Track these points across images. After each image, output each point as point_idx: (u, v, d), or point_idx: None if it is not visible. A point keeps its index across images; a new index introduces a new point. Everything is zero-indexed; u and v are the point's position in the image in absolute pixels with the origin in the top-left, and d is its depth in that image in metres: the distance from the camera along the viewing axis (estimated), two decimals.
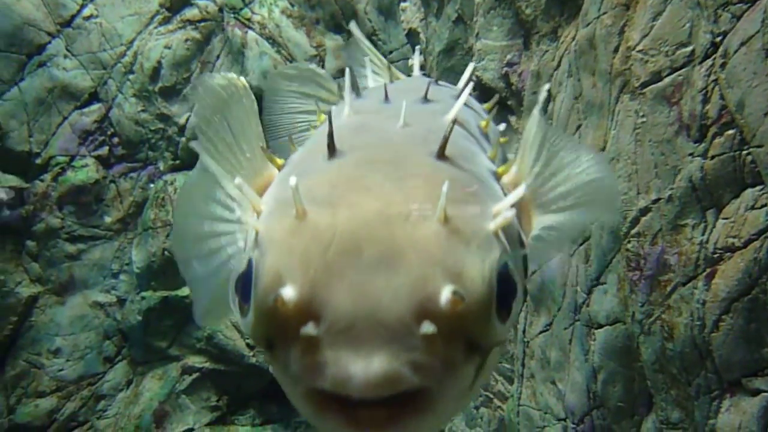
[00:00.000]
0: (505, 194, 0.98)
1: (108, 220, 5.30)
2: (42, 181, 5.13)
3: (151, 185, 5.39)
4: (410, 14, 4.12)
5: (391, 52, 4.80)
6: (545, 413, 2.93)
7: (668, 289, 1.98)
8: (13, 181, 5.05)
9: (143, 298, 5.17)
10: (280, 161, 1.10)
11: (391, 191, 0.82)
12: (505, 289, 0.80)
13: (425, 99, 1.21)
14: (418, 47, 2.06)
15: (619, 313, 2.28)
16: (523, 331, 3.18)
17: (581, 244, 2.49)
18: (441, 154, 0.91)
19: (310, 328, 0.72)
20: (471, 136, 1.14)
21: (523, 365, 3.20)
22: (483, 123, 1.31)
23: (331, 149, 0.93)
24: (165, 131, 5.43)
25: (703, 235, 1.89)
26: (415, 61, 1.66)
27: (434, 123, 1.06)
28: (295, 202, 0.80)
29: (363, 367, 0.70)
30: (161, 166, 5.43)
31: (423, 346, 0.71)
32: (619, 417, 2.35)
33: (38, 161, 5.13)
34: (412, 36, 4.23)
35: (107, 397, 5.16)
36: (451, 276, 0.74)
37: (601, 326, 2.37)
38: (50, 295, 5.17)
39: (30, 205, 5.09)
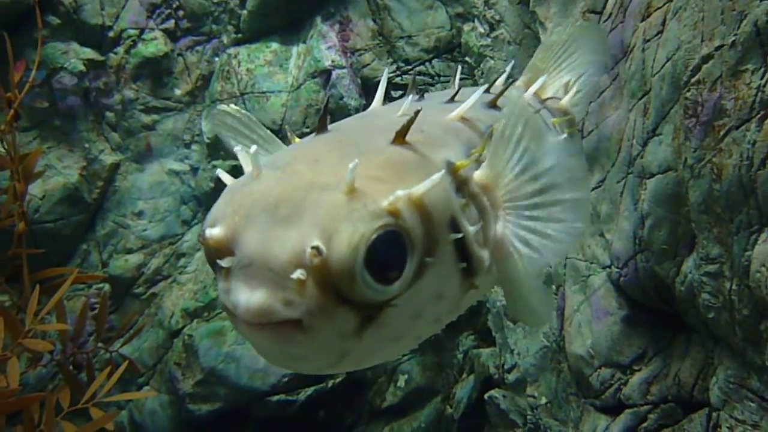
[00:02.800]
0: (469, 190, 1.08)
1: (178, 92, 5.59)
2: (116, 54, 5.40)
3: (216, 58, 5.59)
4: None
5: None
6: (591, 263, 3.18)
7: (721, 133, 2.09)
8: (90, 53, 5.32)
9: (214, 166, 5.54)
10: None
11: (331, 165, 0.99)
12: (387, 256, 0.93)
13: (450, 100, 1.34)
14: (458, 66, 2.00)
15: (671, 162, 2.41)
16: None
17: (641, 98, 2.59)
18: (397, 140, 1.06)
19: (224, 262, 0.95)
20: (467, 131, 1.20)
21: None
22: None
23: (319, 128, 1.15)
24: (227, 4, 5.53)
25: (761, 79, 1.97)
26: (456, 79, 1.65)
27: (429, 117, 1.17)
28: (252, 165, 1.01)
29: (246, 298, 0.92)
30: (224, 39, 5.58)
31: (294, 287, 0.90)
32: (662, 259, 2.56)
33: (111, 34, 5.37)
34: None
35: (186, 255, 5.70)
36: (323, 236, 0.90)
37: (653, 175, 2.52)
38: (130, 162, 5.60)
39: (107, 78, 5.39)
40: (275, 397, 4.91)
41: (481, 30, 4.13)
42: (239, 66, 5.46)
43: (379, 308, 0.96)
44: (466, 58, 4.43)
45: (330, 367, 1.01)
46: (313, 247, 0.89)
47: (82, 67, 5.20)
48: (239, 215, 0.96)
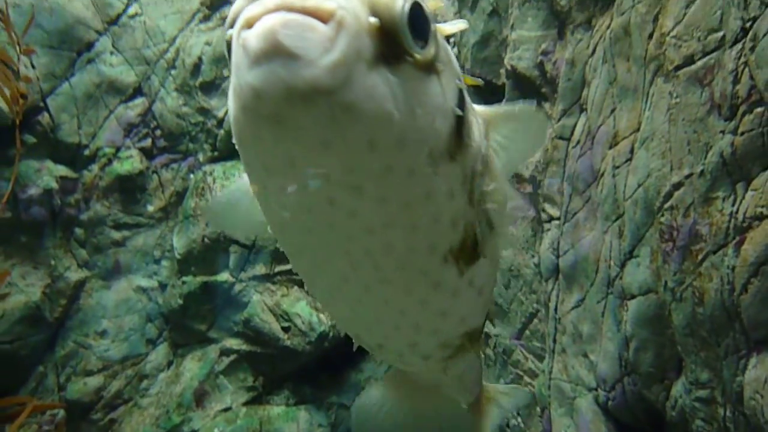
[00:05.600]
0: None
1: (151, 208, 5.56)
2: (90, 171, 5.40)
3: (191, 176, 5.63)
4: (444, 9, 4.29)
5: None
6: (576, 385, 3.09)
7: (699, 257, 2.13)
8: (63, 171, 5.32)
9: (184, 282, 5.41)
10: None
11: None
12: (420, 18, 0.95)
13: None
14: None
15: (651, 284, 2.43)
16: (555, 309, 3.34)
17: (615, 221, 2.65)
18: None
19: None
20: None
21: (554, 341, 3.36)
22: None
23: None
24: (204, 124, 5.67)
25: (733, 206, 2.04)
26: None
27: None
28: None
29: None
30: (201, 157, 5.67)
31: None
32: (649, 382, 2.50)
33: (86, 152, 5.40)
34: None
35: (150, 376, 5.40)
36: None
37: (633, 297, 2.52)
38: (97, 279, 5.44)
39: (78, 194, 5.35)
40: None
41: None
42: (214, 183, 5.50)
43: (398, 58, 0.91)
44: None
45: (327, 86, 0.83)
46: None
47: (54, 185, 5.17)
48: None
